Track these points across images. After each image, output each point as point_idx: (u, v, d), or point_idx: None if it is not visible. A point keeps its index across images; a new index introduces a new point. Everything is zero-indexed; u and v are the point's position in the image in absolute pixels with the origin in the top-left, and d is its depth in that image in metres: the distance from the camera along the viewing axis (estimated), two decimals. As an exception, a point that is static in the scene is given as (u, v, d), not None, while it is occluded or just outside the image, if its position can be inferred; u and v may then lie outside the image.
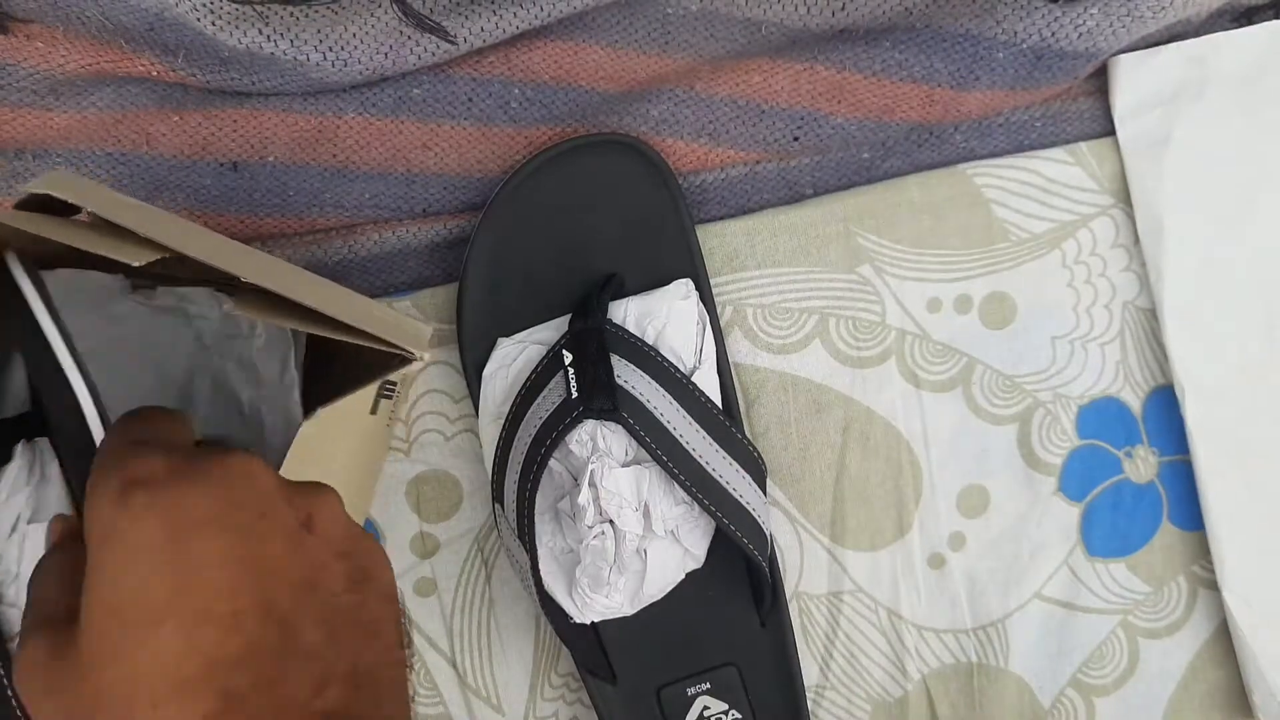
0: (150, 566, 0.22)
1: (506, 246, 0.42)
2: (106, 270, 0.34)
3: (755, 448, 0.40)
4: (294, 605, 0.23)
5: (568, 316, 0.41)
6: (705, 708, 0.42)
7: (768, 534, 0.40)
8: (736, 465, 0.39)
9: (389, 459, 0.44)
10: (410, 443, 0.44)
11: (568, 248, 0.42)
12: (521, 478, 0.38)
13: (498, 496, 0.40)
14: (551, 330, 0.41)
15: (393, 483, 0.44)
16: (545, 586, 0.39)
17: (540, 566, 0.39)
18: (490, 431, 0.41)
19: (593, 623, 0.41)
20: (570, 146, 0.42)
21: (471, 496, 0.44)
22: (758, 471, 0.40)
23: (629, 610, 0.39)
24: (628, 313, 0.41)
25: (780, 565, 0.44)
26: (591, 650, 0.42)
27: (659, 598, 0.40)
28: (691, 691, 0.42)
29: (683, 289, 0.41)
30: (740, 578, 0.42)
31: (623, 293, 0.41)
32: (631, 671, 0.42)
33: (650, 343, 0.40)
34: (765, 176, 0.45)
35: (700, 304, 0.41)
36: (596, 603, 0.38)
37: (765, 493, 0.40)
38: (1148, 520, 0.46)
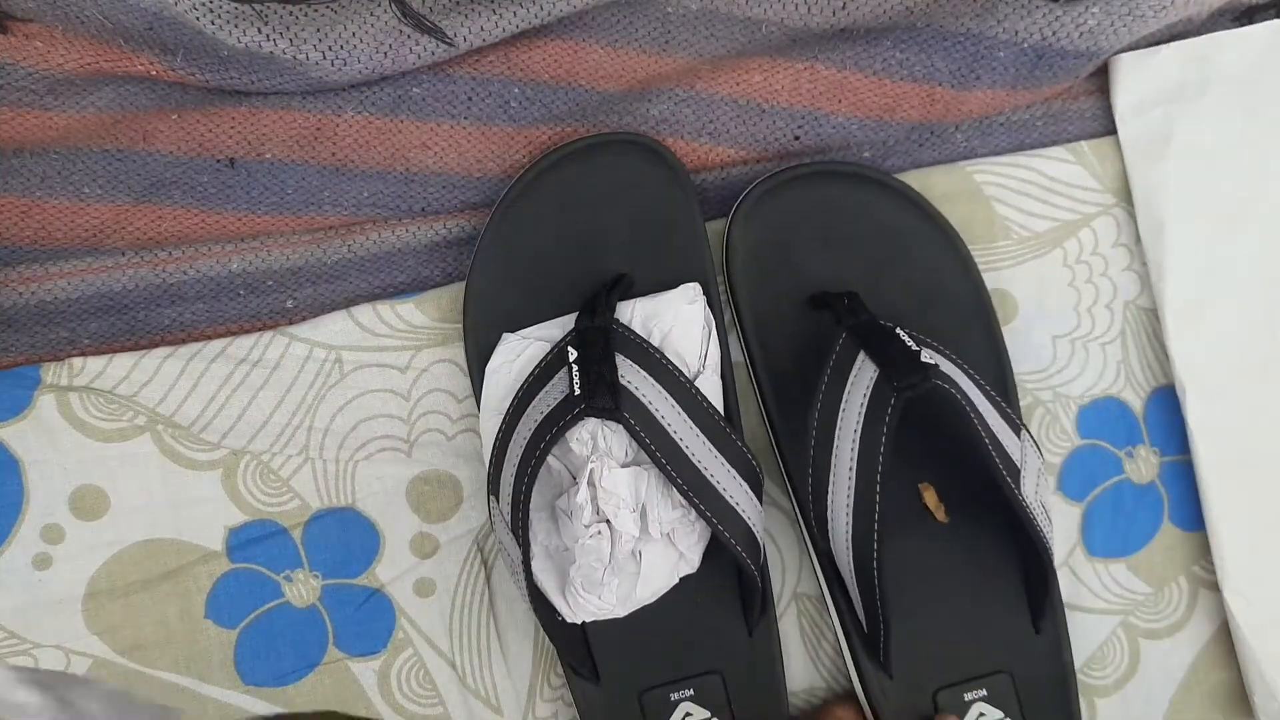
0: None
1: (517, 242, 0.42)
2: None
3: (755, 457, 0.40)
4: None
5: (574, 314, 0.40)
6: (687, 714, 0.42)
7: (762, 543, 0.40)
8: (734, 473, 0.39)
9: (390, 459, 0.44)
10: (411, 443, 0.44)
11: (578, 246, 0.42)
12: (519, 471, 0.38)
13: (494, 489, 0.40)
14: (557, 328, 0.41)
15: (393, 483, 0.44)
16: (537, 583, 0.39)
17: (534, 563, 0.38)
18: (491, 426, 0.41)
19: (581, 621, 0.41)
20: (586, 145, 0.42)
21: (472, 497, 0.44)
22: (755, 480, 0.40)
23: (621, 612, 0.39)
24: (634, 314, 0.41)
25: (780, 566, 0.44)
26: (577, 649, 0.41)
27: (651, 601, 0.40)
28: (675, 697, 0.42)
29: (690, 293, 0.41)
30: (731, 585, 0.42)
31: (632, 293, 0.41)
32: (616, 673, 0.42)
33: (655, 345, 0.39)
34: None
35: (707, 308, 0.41)
36: (589, 603, 0.38)
37: (762, 501, 0.40)
38: (1149, 520, 0.45)
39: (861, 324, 0.39)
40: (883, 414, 0.36)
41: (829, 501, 0.38)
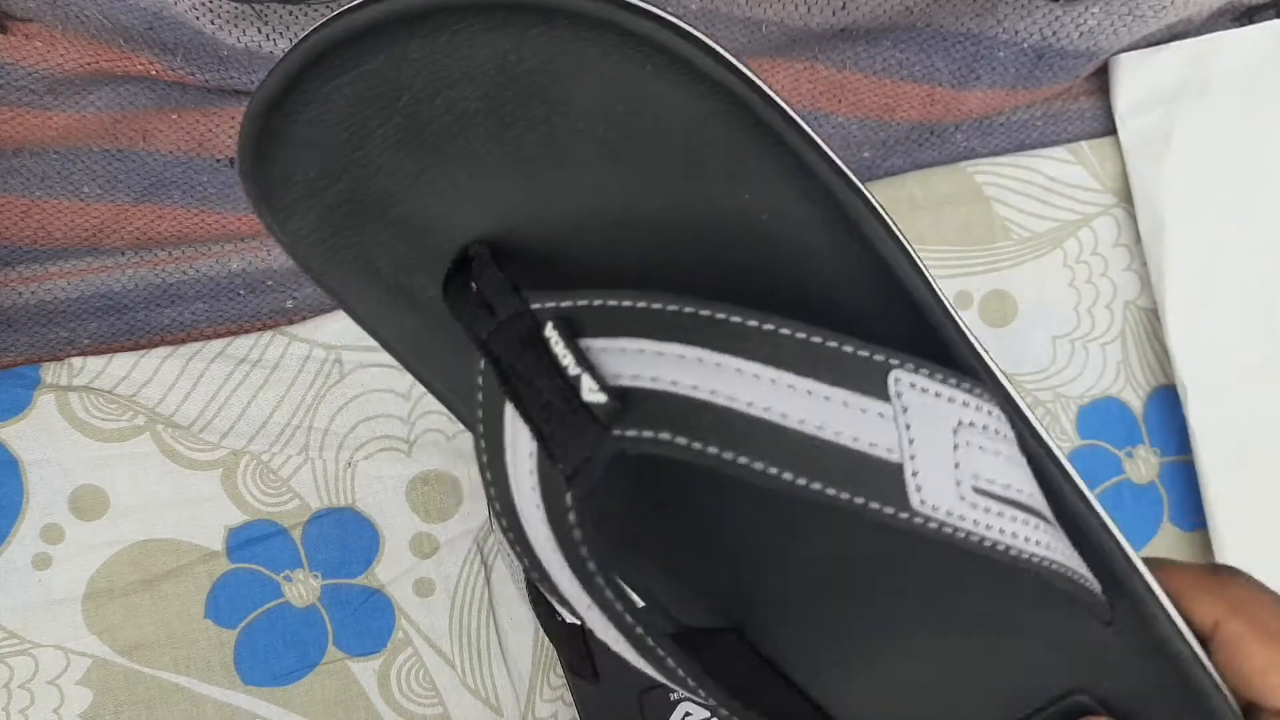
0: None
1: None
2: None
3: None
4: None
5: None
6: (687, 714, 0.42)
7: None
8: None
9: (390, 459, 0.44)
10: (411, 443, 0.44)
11: None
12: None
13: None
14: None
15: (393, 483, 0.44)
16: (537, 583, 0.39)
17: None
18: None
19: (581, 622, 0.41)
20: None
21: (472, 497, 0.44)
22: None
23: None
24: None
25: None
26: (577, 649, 0.41)
27: None
28: (674, 697, 0.42)
29: None
30: None
31: None
32: (616, 673, 0.42)
33: None
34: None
35: None
36: None
37: None
38: (1148, 521, 0.45)
39: (499, 333, 0.20)
40: (564, 527, 0.20)
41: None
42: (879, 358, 0.20)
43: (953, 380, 0.20)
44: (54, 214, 0.44)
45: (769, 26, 0.44)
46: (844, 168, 0.21)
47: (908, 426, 0.20)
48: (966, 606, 0.25)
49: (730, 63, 0.20)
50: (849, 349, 0.20)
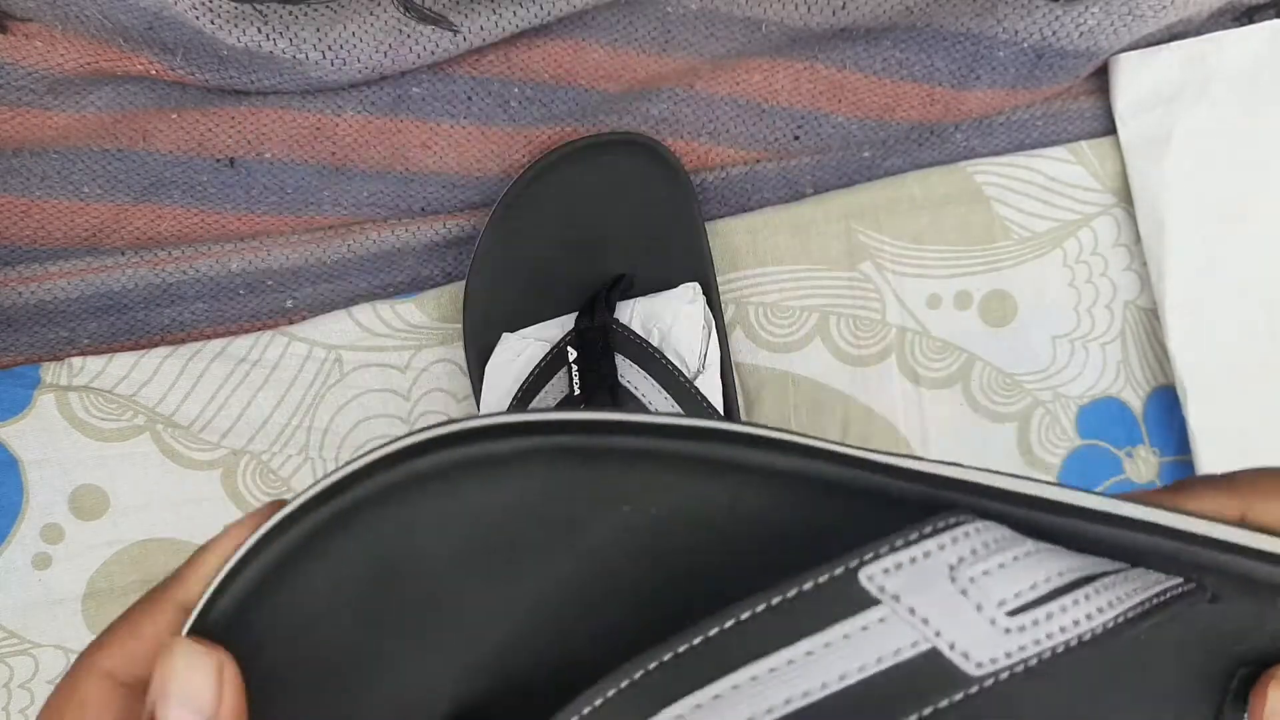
0: None
1: (516, 242, 0.42)
2: None
3: None
4: None
5: (574, 314, 0.40)
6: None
7: None
8: None
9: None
10: (410, 442, 0.44)
11: (578, 246, 0.42)
12: None
13: None
14: (557, 328, 0.41)
15: (392, 482, 0.44)
16: None
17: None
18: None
19: None
20: (586, 145, 0.42)
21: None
22: None
23: None
24: (634, 313, 0.41)
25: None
26: None
27: None
28: None
29: (689, 293, 0.41)
30: None
31: (631, 293, 0.41)
32: None
33: (655, 344, 0.39)
34: (765, 176, 0.45)
35: (707, 308, 0.41)
36: None
37: None
38: (1149, 520, 0.45)
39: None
40: None
41: None
42: (839, 570, 0.19)
43: (913, 536, 0.19)
44: (54, 214, 0.44)
45: (769, 26, 0.44)
46: (682, 421, 0.20)
47: (911, 610, 0.19)
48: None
49: (522, 423, 0.19)
50: (809, 585, 0.19)
